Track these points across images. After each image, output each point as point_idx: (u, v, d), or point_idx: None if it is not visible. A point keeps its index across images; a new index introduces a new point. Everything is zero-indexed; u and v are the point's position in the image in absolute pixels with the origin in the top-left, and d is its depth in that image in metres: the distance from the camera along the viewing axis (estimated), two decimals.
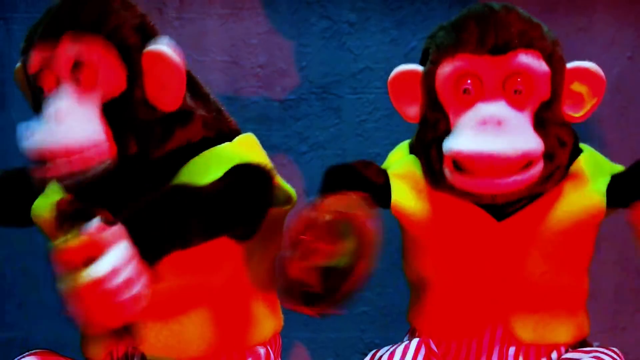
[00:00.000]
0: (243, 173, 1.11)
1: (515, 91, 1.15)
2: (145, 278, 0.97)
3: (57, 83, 1.13)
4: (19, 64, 1.20)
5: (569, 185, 1.20)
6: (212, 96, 1.24)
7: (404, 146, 1.30)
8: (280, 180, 1.20)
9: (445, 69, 1.17)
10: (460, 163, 1.14)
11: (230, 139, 1.19)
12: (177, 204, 1.04)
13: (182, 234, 1.03)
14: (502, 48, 1.15)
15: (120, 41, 1.11)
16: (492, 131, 1.12)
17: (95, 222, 0.95)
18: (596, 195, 1.18)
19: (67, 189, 1.14)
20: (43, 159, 1.11)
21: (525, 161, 1.13)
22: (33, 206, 1.23)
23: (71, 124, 1.10)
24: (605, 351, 1.20)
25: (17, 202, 1.25)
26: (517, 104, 1.15)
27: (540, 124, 1.15)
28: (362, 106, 1.84)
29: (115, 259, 0.94)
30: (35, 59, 1.13)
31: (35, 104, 1.17)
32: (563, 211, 1.18)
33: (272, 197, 1.15)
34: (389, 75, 1.24)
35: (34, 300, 1.89)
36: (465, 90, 1.16)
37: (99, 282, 0.93)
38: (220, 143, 1.18)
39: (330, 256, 1.05)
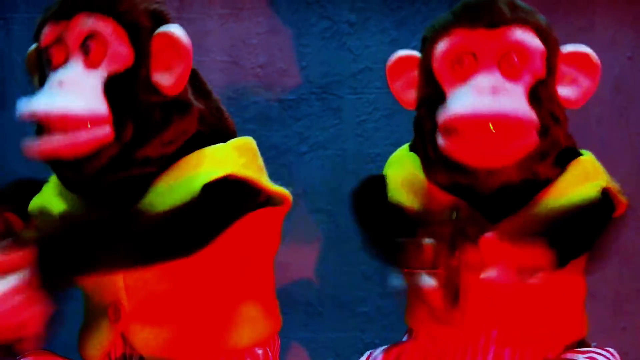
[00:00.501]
0: (211, 193, 1.11)
1: (510, 64, 1.15)
2: (36, 308, 0.99)
3: (66, 57, 1.14)
4: (33, 46, 1.21)
5: (564, 184, 1.20)
6: (214, 96, 1.24)
7: (404, 148, 1.31)
8: (270, 185, 1.20)
9: (441, 45, 1.18)
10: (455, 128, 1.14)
11: (224, 140, 1.19)
12: (101, 230, 1.04)
13: (94, 263, 1.04)
14: (497, 22, 1.16)
15: (131, 21, 1.13)
16: (488, 96, 1.13)
17: (5, 244, 0.98)
18: (592, 196, 1.18)
19: (61, 170, 1.14)
20: (39, 122, 1.12)
21: (519, 126, 1.13)
22: (29, 206, 1.23)
23: (73, 92, 1.10)
24: (601, 352, 1.20)
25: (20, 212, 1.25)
26: (512, 77, 1.16)
27: (535, 100, 1.16)
28: (362, 106, 1.84)
29: (8, 284, 0.96)
30: (49, 32, 1.15)
31: (42, 79, 1.17)
32: (560, 208, 1.18)
33: (238, 212, 1.15)
34: None
35: None
36: (460, 65, 1.16)
37: None
38: (214, 141, 1.18)
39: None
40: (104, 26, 1.12)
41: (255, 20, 1.85)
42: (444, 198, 1.21)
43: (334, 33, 1.84)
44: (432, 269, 1.09)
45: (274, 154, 1.81)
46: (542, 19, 1.19)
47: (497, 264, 1.02)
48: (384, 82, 1.26)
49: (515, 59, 1.15)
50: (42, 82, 1.17)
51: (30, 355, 1.18)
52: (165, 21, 1.17)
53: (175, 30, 1.14)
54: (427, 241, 1.10)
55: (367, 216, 1.24)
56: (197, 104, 1.19)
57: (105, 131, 1.11)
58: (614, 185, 1.22)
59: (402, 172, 1.27)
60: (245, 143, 1.22)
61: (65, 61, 1.14)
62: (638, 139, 1.83)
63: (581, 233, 1.14)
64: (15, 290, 0.97)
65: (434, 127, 1.17)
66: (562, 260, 1.10)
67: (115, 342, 1.18)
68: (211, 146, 1.18)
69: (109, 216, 1.08)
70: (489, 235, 1.03)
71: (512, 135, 1.12)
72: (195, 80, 1.21)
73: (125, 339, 1.17)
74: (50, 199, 1.21)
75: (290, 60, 1.84)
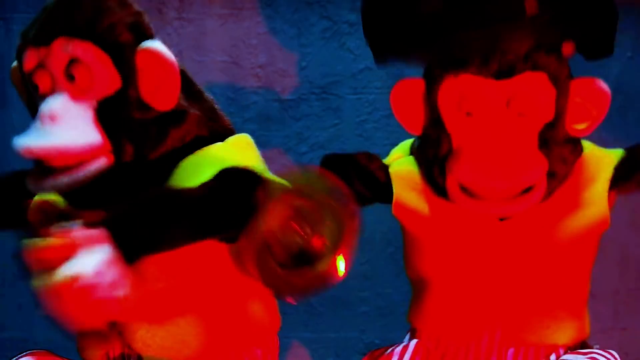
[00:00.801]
0: (228, 178, 1.11)
1: (519, 113, 1.15)
2: (126, 281, 0.98)
3: (52, 82, 1.13)
4: (15, 64, 1.20)
5: (572, 186, 1.20)
6: (205, 94, 1.24)
7: (404, 146, 1.30)
8: (273, 177, 1.20)
9: (448, 87, 1.17)
10: (466, 187, 1.15)
11: (223, 139, 1.19)
12: (161, 207, 1.04)
13: (164, 237, 1.04)
14: (508, 72, 1.14)
15: (113, 41, 1.12)
16: (496, 159, 1.13)
17: (77, 224, 0.96)
18: (599, 202, 1.18)
19: (63, 192, 1.14)
20: (38, 160, 1.12)
21: (528, 184, 1.13)
22: (30, 206, 1.23)
23: (66, 125, 1.10)
24: (603, 353, 1.20)
25: (16, 205, 1.25)
26: (521, 125, 1.15)
27: (544, 144, 1.16)
28: (362, 106, 1.84)
29: (96, 261, 0.95)
30: (30, 58, 1.14)
31: (30, 102, 1.17)
32: (567, 214, 1.18)
33: (256, 201, 1.15)
34: (388, 75, 1.24)
35: (32, 301, 1.89)
36: (468, 113, 1.16)
37: (75, 282, 0.93)
38: (213, 141, 1.18)
39: (309, 239, 1.05)
40: (84, 51, 1.11)
41: (255, 20, 1.84)
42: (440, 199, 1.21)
43: (334, 33, 1.84)
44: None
45: (274, 154, 1.81)
46: (553, 55, 1.16)
47: None
48: (384, 82, 1.26)
49: (524, 108, 1.14)
50: (30, 106, 1.16)
51: (30, 355, 1.18)
52: (147, 33, 1.15)
53: (156, 46, 1.13)
54: None
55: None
56: (192, 110, 1.18)
57: (104, 160, 1.11)
58: (615, 157, 1.23)
59: (405, 173, 1.26)
60: (244, 138, 1.21)
61: (51, 88, 1.13)
62: (638, 139, 1.83)
63: None
64: (105, 266, 0.95)
65: (442, 173, 1.18)
66: None
67: (113, 342, 1.18)
68: (211, 145, 1.17)
69: (163, 193, 1.08)
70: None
71: (521, 192, 1.14)
72: (185, 82, 1.19)
73: (123, 339, 1.17)
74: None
75: (290, 60, 1.84)
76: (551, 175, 1.16)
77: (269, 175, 1.18)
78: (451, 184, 1.16)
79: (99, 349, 1.18)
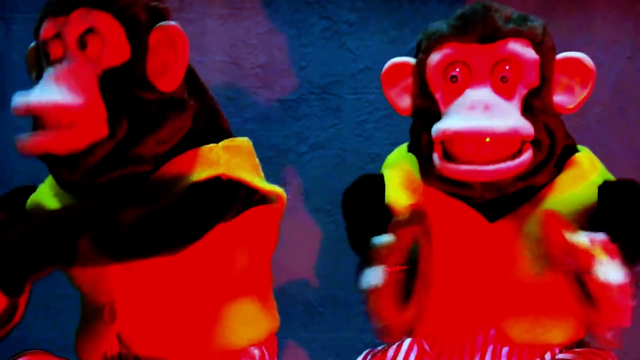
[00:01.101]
0: (194, 193, 1.12)
1: (503, 77, 1.16)
2: None
3: (64, 52, 1.14)
4: (32, 44, 1.21)
5: (560, 183, 1.20)
6: (209, 94, 1.24)
7: (402, 148, 1.31)
8: (263, 184, 1.20)
9: (435, 57, 1.19)
10: (448, 150, 1.14)
11: (217, 140, 1.19)
12: (64, 227, 1.05)
13: (44, 260, 1.04)
14: (491, 36, 1.16)
15: (129, 16, 1.13)
16: (480, 113, 1.13)
17: None
18: (589, 195, 1.18)
19: (55, 167, 1.14)
20: (31, 114, 1.12)
21: (514, 139, 1.13)
22: (27, 204, 1.23)
23: (68, 86, 1.10)
24: (598, 352, 1.20)
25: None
26: (504, 92, 1.16)
27: (529, 111, 1.16)
28: (362, 106, 1.84)
29: None
30: (48, 27, 1.15)
31: (39, 73, 1.17)
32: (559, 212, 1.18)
33: (220, 216, 1.14)
34: None
35: (34, 300, 1.89)
36: (453, 78, 1.17)
37: None
38: (207, 140, 1.18)
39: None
40: (101, 21, 1.13)
41: (255, 20, 1.84)
42: (441, 198, 1.21)
43: (334, 33, 1.84)
44: (386, 267, 1.09)
45: (274, 154, 1.81)
46: (537, 26, 1.19)
47: (602, 263, 1.04)
48: None
49: (508, 72, 1.16)
50: (39, 77, 1.17)
51: (26, 355, 1.18)
52: (165, 18, 1.17)
53: (172, 26, 1.14)
54: (383, 240, 1.10)
55: (353, 214, 1.24)
56: (192, 103, 1.19)
57: (100, 127, 1.11)
58: (610, 177, 1.22)
59: (400, 173, 1.27)
60: (239, 143, 1.21)
61: (62, 56, 1.14)
62: (638, 139, 1.83)
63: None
64: None
65: (430, 141, 1.17)
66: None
67: (111, 342, 1.18)
68: (204, 146, 1.18)
69: (87, 209, 1.08)
70: (601, 237, 1.05)
71: (506, 156, 1.13)
72: (190, 78, 1.21)
73: (120, 339, 1.17)
74: (46, 198, 1.21)
75: (290, 60, 1.84)
76: (536, 144, 1.16)
77: (257, 182, 1.18)
78: (436, 148, 1.16)
79: (96, 349, 1.18)
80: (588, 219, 1.16)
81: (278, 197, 1.21)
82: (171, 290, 1.15)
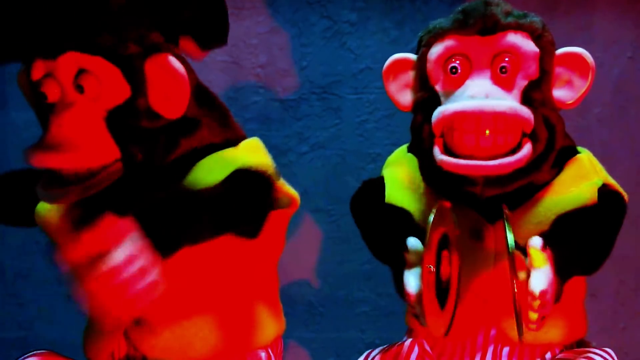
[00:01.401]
0: (243, 178, 1.12)
1: (502, 68, 1.16)
2: (158, 268, 0.99)
3: (61, 91, 1.13)
4: (21, 68, 1.19)
5: (559, 184, 1.20)
6: (218, 100, 1.24)
7: (402, 148, 1.31)
8: (282, 183, 1.20)
9: (435, 49, 1.19)
10: (449, 144, 1.15)
11: (235, 145, 1.20)
12: (183, 202, 1.06)
13: (189, 229, 1.05)
14: (491, 29, 1.17)
15: (120, 54, 1.11)
16: (479, 102, 1.13)
17: (105, 217, 0.97)
18: (589, 195, 1.18)
19: (74, 199, 1.14)
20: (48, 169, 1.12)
21: (514, 121, 1.13)
22: (37, 208, 1.23)
23: (76, 136, 1.10)
24: (598, 352, 1.20)
25: (23, 202, 1.25)
26: (504, 83, 1.16)
27: (528, 103, 1.16)
28: (363, 106, 1.84)
29: (128, 248, 0.96)
30: (38, 68, 1.13)
31: (39, 110, 1.17)
32: (554, 213, 1.18)
33: (271, 199, 1.16)
34: None
35: (34, 300, 1.89)
36: (453, 69, 1.17)
37: (114, 272, 0.94)
38: (226, 148, 1.19)
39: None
40: (93, 64, 1.11)
41: (255, 20, 1.84)
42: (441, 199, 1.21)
43: (335, 33, 1.84)
44: (419, 271, 1.09)
45: (274, 154, 1.80)
46: (537, 22, 1.19)
47: (536, 270, 1.03)
48: None
49: (508, 64, 1.16)
50: (39, 111, 1.16)
51: (34, 355, 1.18)
52: (154, 43, 1.14)
53: (165, 55, 1.12)
54: (413, 244, 1.10)
55: (367, 221, 1.24)
56: (205, 118, 1.18)
57: (116, 168, 1.12)
58: (611, 181, 1.22)
59: (400, 172, 1.27)
60: (254, 144, 1.22)
61: (60, 98, 1.13)
62: (638, 139, 1.83)
63: (601, 238, 1.16)
64: (137, 253, 0.97)
65: (430, 134, 1.17)
66: (594, 266, 1.15)
67: (118, 343, 1.18)
68: (223, 150, 1.18)
69: (182, 191, 1.10)
70: (537, 241, 1.04)
71: (505, 151, 1.13)
72: (198, 89, 1.19)
73: (128, 340, 1.18)
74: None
75: (291, 60, 1.84)
76: (535, 138, 1.16)
77: (279, 180, 1.19)
78: (437, 142, 1.16)
79: (104, 350, 1.19)
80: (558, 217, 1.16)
81: (292, 201, 1.20)
82: (180, 292, 1.16)
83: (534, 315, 1.03)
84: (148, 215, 1.02)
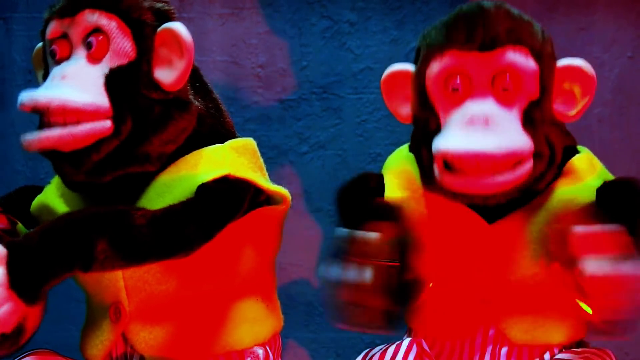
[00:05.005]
0: (205, 195, 1.12)
1: (504, 89, 1.15)
2: (9, 307, 1.01)
3: (70, 52, 1.15)
4: (39, 45, 1.22)
5: (560, 185, 1.20)
6: (214, 94, 1.25)
7: (403, 148, 1.31)
8: (269, 185, 1.20)
9: (435, 67, 1.17)
10: (449, 162, 1.14)
11: (222, 140, 1.20)
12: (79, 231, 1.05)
13: (65, 264, 1.04)
14: (490, 44, 1.15)
15: (135, 17, 1.14)
16: (480, 130, 1.12)
17: None
18: (587, 197, 1.18)
19: (60, 164, 1.14)
20: (40, 114, 1.12)
21: (512, 159, 1.12)
22: (31, 206, 1.23)
23: (74, 84, 1.11)
24: (597, 352, 1.20)
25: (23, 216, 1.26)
26: (505, 102, 1.15)
27: (529, 123, 1.15)
28: (363, 106, 1.84)
29: None
30: (54, 28, 1.16)
31: (46, 73, 1.18)
32: (554, 213, 1.18)
33: (229, 217, 1.14)
34: None
35: None
36: (454, 89, 1.16)
37: None
38: (212, 141, 1.19)
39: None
40: (107, 22, 1.13)
41: (255, 20, 1.85)
42: (439, 200, 1.21)
43: (335, 33, 1.84)
44: (369, 263, 1.08)
45: (275, 154, 1.81)
46: (538, 32, 1.18)
47: (591, 256, 1.03)
48: None
49: (509, 82, 1.15)
50: (45, 76, 1.18)
51: (32, 355, 1.18)
52: (170, 19, 1.18)
53: (178, 27, 1.15)
54: (369, 234, 1.10)
55: (343, 207, 1.24)
56: (197, 103, 1.19)
57: (105, 124, 1.11)
58: (610, 177, 1.22)
59: (399, 173, 1.27)
60: (245, 144, 1.22)
61: (69, 55, 1.15)
62: (638, 139, 1.83)
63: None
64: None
65: (430, 154, 1.17)
66: None
67: (116, 342, 1.18)
68: (209, 147, 1.18)
69: (102, 212, 1.08)
70: (580, 229, 1.03)
71: (506, 168, 1.12)
72: (195, 79, 1.21)
73: (126, 339, 1.18)
74: (52, 199, 1.21)
75: (291, 60, 1.84)
76: (537, 156, 1.15)
77: (263, 182, 1.19)
78: (437, 161, 1.16)
79: (102, 349, 1.19)
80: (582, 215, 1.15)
81: (283, 198, 1.21)
82: (176, 290, 1.16)
83: None
84: (25, 244, 1.03)
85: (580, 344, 1.25)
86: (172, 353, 1.16)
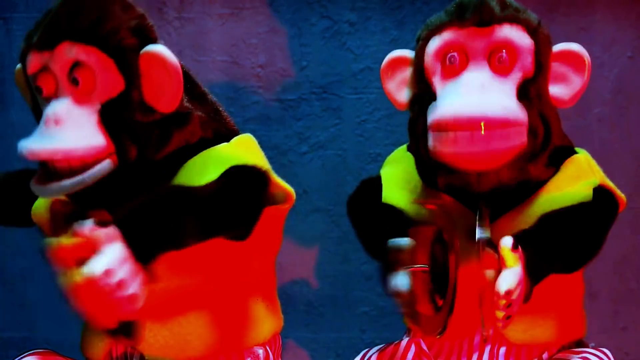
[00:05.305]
0: (237, 175, 1.12)
1: (499, 61, 1.16)
2: (140, 279, 0.98)
3: (56, 85, 1.13)
4: (19, 66, 1.20)
5: (557, 183, 1.20)
6: (209, 96, 1.24)
7: (402, 148, 1.31)
8: (278, 179, 1.20)
9: (433, 43, 1.19)
10: (443, 129, 1.14)
11: (227, 139, 1.20)
12: (171, 205, 1.05)
13: (175, 235, 1.04)
14: (487, 21, 1.17)
15: (116, 44, 1.12)
16: (475, 94, 1.13)
17: (89, 223, 0.96)
18: (585, 194, 1.18)
19: (68, 193, 1.14)
20: (43, 163, 1.12)
21: (505, 125, 1.12)
22: (33, 206, 1.23)
23: (70, 128, 1.10)
24: (595, 352, 1.20)
25: (19, 202, 1.25)
26: (501, 74, 1.16)
27: (524, 97, 1.16)
28: (363, 106, 1.84)
29: (109, 259, 0.95)
30: (34, 61, 1.14)
31: (34, 105, 1.17)
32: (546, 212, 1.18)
33: (265, 198, 1.16)
34: None
35: (34, 300, 1.89)
36: (450, 62, 1.17)
37: (92, 282, 0.93)
38: (218, 143, 1.19)
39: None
40: (88, 55, 1.11)
41: (255, 20, 1.85)
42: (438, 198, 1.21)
43: (335, 33, 1.84)
44: (410, 270, 1.09)
45: (274, 154, 1.81)
46: (533, 17, 1.19)
47: (509, 268, 1.03)
48: None
49: (505, 56, 1.16)
50: (35, 109, 1.17)
51: (32, 355, 1.18)
52: (150, 36, 1.15)
53: (160, 50, 1.13)
54: (405, 242, 1.10)
55: (362, 220, 1.25)
56: (196, 112, 1.18)
57: (108, 162, 1.11)
58: (608, 183, 1.22)
59: (398, 171, 1.27)
60: (247, 140, 1.22)
61: (55, 91, 1.13)
62: (638, 139, 1.83)
63: (585, 238, 1.15)
64: (118, 264, 0.96)
65: (425, 127, 1.17)
66: (575, 265, 1.15)
67: (117, 340, 1.18)
68: (215, 146, 1.18)
69: (172, 191, 1.09)
70: (508, 240, 1.03)
71: (500, 137, 1.12)
72: (188, 84, 1.19)
73: (124, 339, 1.18)
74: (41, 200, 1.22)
75: (291, 60, 1.84)
76: (532, 132, 1.16)
77: (274, 176, 1.19)
78: (432, 129, 1.16)
79: (102, 348, 1.19)
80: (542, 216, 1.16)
81: (287, 197, 1.21)
82: (177, 290, 1.16)
83: (499, 314, 1.03)
84: (132, 218, 1.01)
85: (578, 343, 1.25)
86: (173, 352, 1.16)
